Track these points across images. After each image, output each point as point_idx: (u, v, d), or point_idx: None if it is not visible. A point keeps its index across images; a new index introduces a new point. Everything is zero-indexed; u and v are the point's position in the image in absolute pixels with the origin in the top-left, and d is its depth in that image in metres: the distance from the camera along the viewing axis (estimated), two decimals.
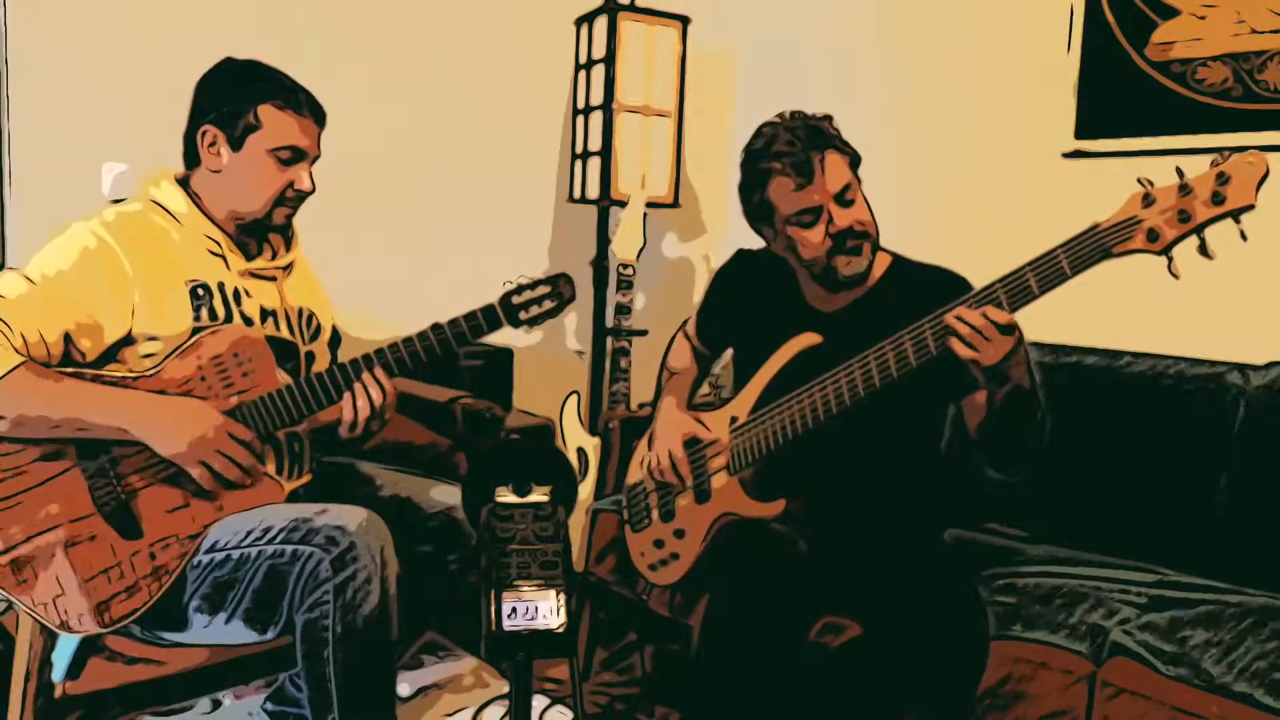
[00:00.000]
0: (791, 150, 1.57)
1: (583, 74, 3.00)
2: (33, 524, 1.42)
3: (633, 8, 2.89)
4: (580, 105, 3.02)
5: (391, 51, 2.80)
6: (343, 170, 2.72)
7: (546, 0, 3.03)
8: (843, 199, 1.59)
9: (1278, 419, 1.89)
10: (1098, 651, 1.57)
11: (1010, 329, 1.37)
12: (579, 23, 3.01)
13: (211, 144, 1.58)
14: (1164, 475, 2.00)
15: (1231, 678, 1.44)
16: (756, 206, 1.65)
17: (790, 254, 1.66)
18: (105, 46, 2.37)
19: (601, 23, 2.90)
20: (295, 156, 1.59)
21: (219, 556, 1.49)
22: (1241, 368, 1.98)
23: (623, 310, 2.77)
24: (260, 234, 1.68)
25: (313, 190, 1.63)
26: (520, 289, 1.61)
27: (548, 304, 1.63)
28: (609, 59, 2.86)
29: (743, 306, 1.82)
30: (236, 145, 1.57)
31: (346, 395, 1.56)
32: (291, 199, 1.62)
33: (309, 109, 1.61)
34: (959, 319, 1.38)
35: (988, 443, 1.56)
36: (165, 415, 1.47)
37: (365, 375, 1.56)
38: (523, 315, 1.61)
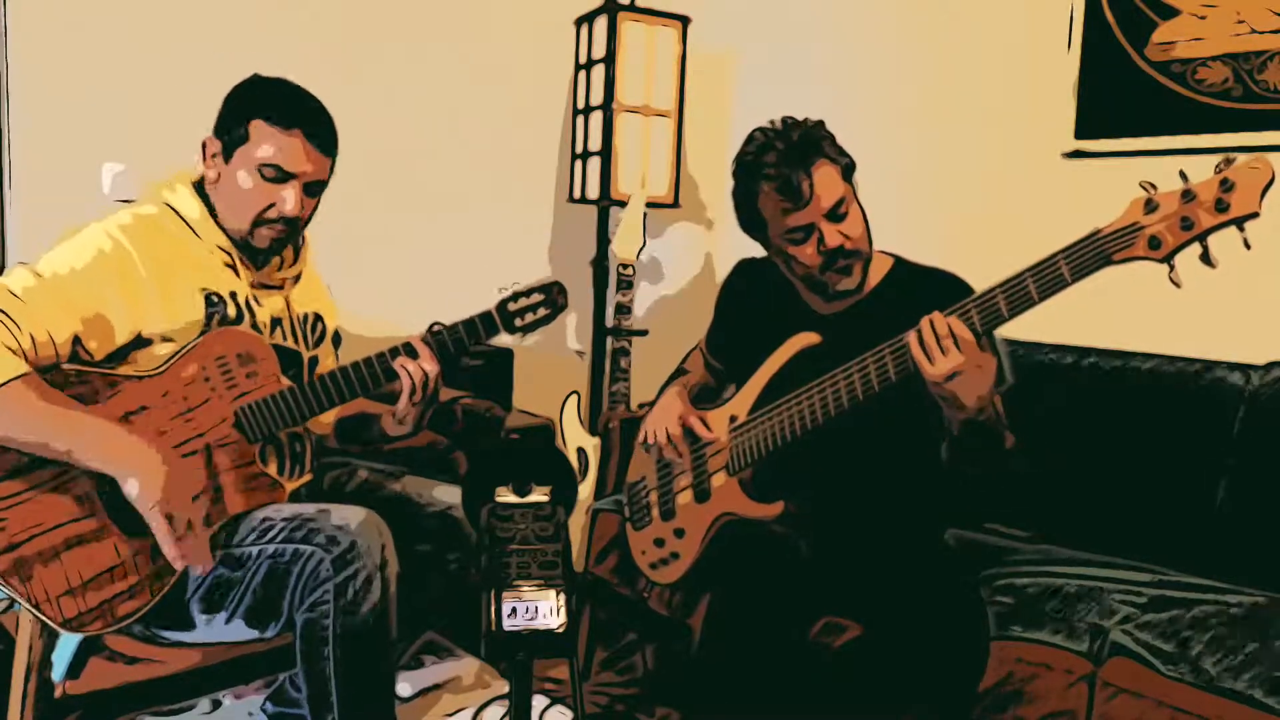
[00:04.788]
0: (779, 170, 1.54)
1: (583, 74, 3.00)
2: (37, 522, 1.42)
3: (633, 8, 2.89)
4: (580, 105, 3.02)
5: (392, 52, 2.80)
6: (343, 170, 2.73)
7: (546, 0, 3.03)
8: (835, 214, 1.57)
9: (1278, 419, 1.90)
10: (1098, 651, 1.57)
11: (969, 344, 1.37)
12: (579, 23, 3.01)
13: (213, 154, 1.57)
14: (1164, 475, 2.00)
15: (1231, 677, 1.44)
16: (748, 219, 1.65)
17: (784, 264, 1.66)
18: (105, 47, 2.37)
19: (601, 23, 2.90)
20: (280, 175, 1.54)
21: (220, 555, 1.49)
22: (1241, 368, 1.98)
23: (623, 310, 2.77)
24: (252, 253, 1.62)
25: (296, 214, 1.56)
26: (515, 296, 1.64)
27: (542, 311, 1.64)
28: (609, 59, 2.86)
29: (745, 315, 1.82)
30: (228, 157, 1.55)
31: (400, 369, 1.56)
32: (274, 220, 1.56)
33: (307, 130, 1.54)
34: (929, 322, 1.39)
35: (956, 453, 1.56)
36: (144, 465, 1.40)
37: (401, 358, 1.57)
38: (518, 322, 1.63)
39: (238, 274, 1.60)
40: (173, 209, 1.57)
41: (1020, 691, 1.59)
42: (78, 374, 1.45)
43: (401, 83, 2.83)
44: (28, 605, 1.42)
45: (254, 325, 1.60)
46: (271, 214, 1.55)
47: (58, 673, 1.51)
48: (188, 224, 1.57)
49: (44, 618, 1.42)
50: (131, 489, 1.39)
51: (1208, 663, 1.48)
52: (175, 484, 1.40)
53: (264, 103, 1.54)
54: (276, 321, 1.66)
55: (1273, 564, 1.81)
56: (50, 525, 1.43)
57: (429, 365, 1.57)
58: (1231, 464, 1.93)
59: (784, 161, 1.55)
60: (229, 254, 1.59)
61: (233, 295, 1.58)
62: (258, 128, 1.53)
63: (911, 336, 1.41)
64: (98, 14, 2.36)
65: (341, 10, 2.71)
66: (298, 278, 1.73)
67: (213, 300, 1.55)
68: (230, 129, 1.55)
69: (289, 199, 1.55)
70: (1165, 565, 1.87)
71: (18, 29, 2.28)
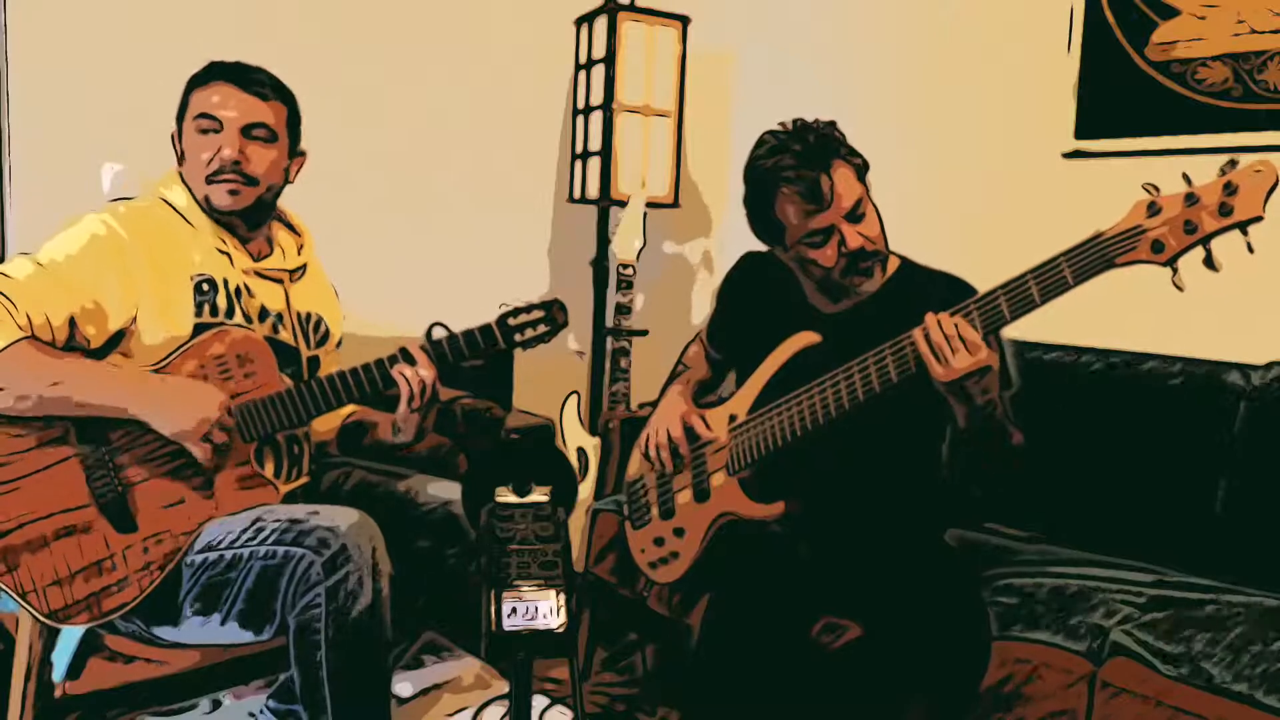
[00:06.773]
0: (799, 172, 1.52)
1: (583, 74, 3.00)
2: (27, 510, 1.43)
3: (633, 8, 2.89)
4: (580, 105, 3.02)
5: (392, 52, 2.80)
6: (343, 170, 2.74)
7: (546, 0, 3.03)
8: (854, 215, 1.56)
9: (1278, 419, 1.89)
10: (1098, 651, 1.56)
11: (977, 347, 1.37)
12: (579, 23, 3.01)
13: (176, 140, 1.64)
14: (1164, 475, 2.00)
15: (1231, 678, 1.44)
16: (764, 224, 1.62)
17: (799, 268, 1.65)
18: (105, 46, 2.37)
19: (601, 23, 2.90)
20: (215, 125, 1.58)
21: (212, 556, 1.49)
22: (1241, 368, 1.98)
23: (623, 310, 2.77)
24: (227, 222, 1.63)
25: (236, 157, 1.57)
26: (516, 312, 1.65)
27: (541, 328, 1.66)
28: (609, 59, 2.86)
29: (747, 309, 1.82)
30: (181, 134, 1.63)
31: (398, 375, 1.57)
32: (219, 170, 1.58)
33: (231, 80, 1.59)
34: (936, 323, 1.39)
35: (957, 458, 1.56)
36: (167, 393, 1.48)
37: (400, 365, 1.58)
38: (518, 338, 1.65)
39: (232, 261, 1.62)
40: (166, 201, 1.61)
41: (1020, 691, 1.59)
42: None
43: (401, 83, 2.82)
44: (13, 594, 1.41)
45: (243, 313, 1.61)
46: (214, 164, 1.58)
47: (58, 673, 1.51)
48: (179, 213, 1.60)
49: (29, 607, 1.42)
50: (162, 427, 1.47)
51: (1208, 663, 1.47)
52: (194, 410, 1.48)
53: (198, 76, 1.62)
54: (271, 315, 1.66)
55: (1273, 564, 1.81)
56: (41, 514, 1.43)
57: (426, 372, 1.59)
58: (1231, 464, 1.93)
59: (804, 163, 1.53)
60: (221, 239, 1.62)
61: (225, 282, 1.59)
62: (194, 96, 1.61)
63: (919, 336, 1.41)
64: (97, 14, 2.36)
65: (342, 11, 2.71)
66: (300, 272, 1.73)
67: (202, 289, 1.57)
68: (179, 110, 1.63)
69: (225, 142, 1.57)
70: (1165, 565, 1.86)
71: (17, 29, 2.28)
